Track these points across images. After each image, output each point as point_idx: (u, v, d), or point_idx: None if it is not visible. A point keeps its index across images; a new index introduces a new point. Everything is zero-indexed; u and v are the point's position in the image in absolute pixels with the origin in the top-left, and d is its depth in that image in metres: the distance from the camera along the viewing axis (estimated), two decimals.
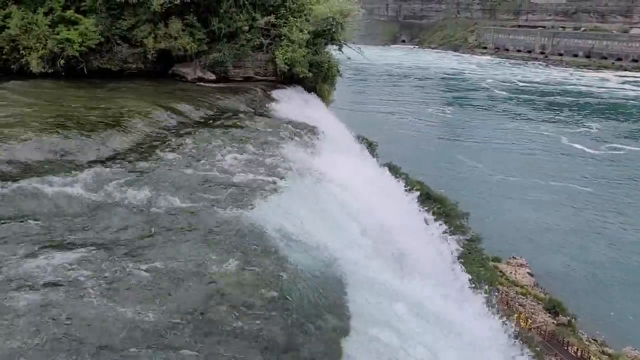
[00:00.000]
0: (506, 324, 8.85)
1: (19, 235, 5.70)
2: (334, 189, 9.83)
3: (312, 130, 14.15)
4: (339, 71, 21.18)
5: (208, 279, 5.33)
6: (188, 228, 6.54)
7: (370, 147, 23.04)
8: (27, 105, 12.04)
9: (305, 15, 19.44)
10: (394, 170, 22.76)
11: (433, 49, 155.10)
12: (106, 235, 6.10)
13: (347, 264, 6.87)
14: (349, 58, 21.73)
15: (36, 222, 6.12)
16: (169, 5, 16.99)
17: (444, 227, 13.20)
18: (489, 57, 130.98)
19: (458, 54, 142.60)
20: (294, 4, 19.56)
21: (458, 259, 11.51)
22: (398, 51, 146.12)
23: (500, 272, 25.98)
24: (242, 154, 10.25)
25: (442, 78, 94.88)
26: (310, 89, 20.26)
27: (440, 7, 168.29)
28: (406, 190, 14.10)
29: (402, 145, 45.58)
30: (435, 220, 13.92)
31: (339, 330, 5.69)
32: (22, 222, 6.07)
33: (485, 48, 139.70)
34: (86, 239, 5.93)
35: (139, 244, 5.94)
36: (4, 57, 17.03)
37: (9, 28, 16.40)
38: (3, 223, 5.92)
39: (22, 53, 16.73)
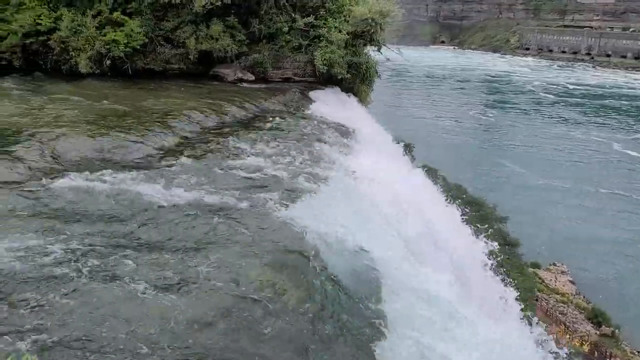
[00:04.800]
0: (546, 334, 8.60)
1: (70, 231, 5.92)
2: (370, 190, 9.79)
3: (349, 131, 14.15)
4: (377, 72, 21.08)
5: (243, 278, 5.38)
6: (226, 226, 6.63)
7: (408, 148, 22.82)
8: (76, 104, 12.51)
9: (344, 16, 19.46)
10: (431, 172, 22.48)
11: (473, 50, 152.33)
12: (148, 231, 6.25)
13: (383, 267, 6.83)
14: (387, 59, 21.60)
15: (87, 218, 6.35)
16: (210, 7, 17.30)
17: (481, 230, 12.96)
18: (532, 59, 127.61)
19: (499, 55, 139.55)
20: (333, 5, 19.61)
21: (495, 264, 11.27)
22: (437, 52, 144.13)
23: (540, 279, 25.26)
24: (278, 154, 10.34)
25: (484, 80, 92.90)
26: (348, 90, 20.25)
27: (482, 7, 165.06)
28: (443, 192, 13.94)
29: (440, 147, 44.89)
30: (472, 223, 13.69)
31: (372, 335, 5.66)
32: (75, 217, 6.31)
33: (527, 49, 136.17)
34: (131, 235, 6.09)
35: (176, 241, 6.06)
36: (54, 57, 17.73)
37: (60, 30, 17.06)
38: (53, 218, 6.18)
39: (71, 54, 17.38)
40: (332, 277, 6.06)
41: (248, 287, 5.18)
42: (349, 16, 19.25)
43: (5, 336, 3.95)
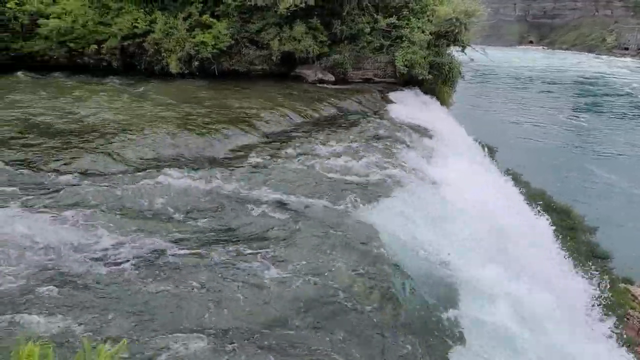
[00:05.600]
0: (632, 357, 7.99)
1: (152, 227, 6.27)
2: (449, 193, 9.54)
3: (430, 133, 13.88)
4: (460, 73, 20.50)
5: (319, 278, 5.43)
6: (302, 225, 6.73)
7: (490, 152, 22.02)
8: (166, 103, 13.25)
9: (427, 16, 19.11)
10: (515, 176, 21.52)
11: (565, 50, 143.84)
12: (232, 228, 6.47)
13: (462, 273, 6.64)
14: (471, 59, 20.95)
15: (177, 212, 6.69)
16: (294, 9, 17.63)
17: (566, 238, 12.24)
18: (630, 59, 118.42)
19: (594, 55, 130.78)
20: (416, 5, 19.32)
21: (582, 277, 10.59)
22: (525, 52, 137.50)
23: (632, 295, 23.42)
24: (357, 155, 10.34)
25: (576, 82, 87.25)
26: (429, 91, 19.86)
27: (576, 4, 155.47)
28: (527, 198, 13.27)
29: (524, 151, 42.73)
30: (558, 232, 12.95)
31: (447, 339, 5.52)
32: (166, 212, 6.68)
33: (626, 49, 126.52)
34: (209, 231, 6.33)
35: (252, 237, 6.22)
36: (148, 59, 18.85)
37: (154, 32, 18.13)
38: (146, 212, 6.57)
39: (163, 55, 18.41)
40: (410, 281, 5.97)
41: (326, 287, 5.23)
42: (433, 16, 18.87)
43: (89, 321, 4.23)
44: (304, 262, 5.58)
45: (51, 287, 4.56)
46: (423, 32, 18.39)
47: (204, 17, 18.16)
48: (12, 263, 4.94)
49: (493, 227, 8.70)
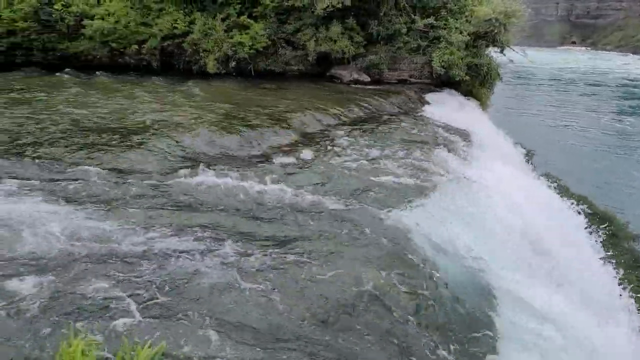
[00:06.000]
0: None
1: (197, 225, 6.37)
2: (486, 196, 9.37)
3: (466, 135, 13.66)
4: (499, 74, 20.13)
5: (354, 279, 5.40)
6: (336, 226, 6.72)
7: (529, 155, 21.53)
8: (205, 102, 13.49)
9: (466, 16, 18.84)
10: (554, 180, 20.98)
11: (609, 51, 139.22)
12: (267, 228, 6.50)
13: (500, 280, 6.51)
14: (511, 61, 20.53)
15: (213, 211, 6.80)
16: (331, 9, 17.67)
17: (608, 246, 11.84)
18: None
19: None
20: (455, 6, 19.07)
21: (626, 288, 10.21)
22: (567, 53, 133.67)
23: None
24: (391, 156, 10.28)
25: (622, 85, 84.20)
26: (466, 92, 19.58)
27: (621, 4, 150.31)
28: (567, 203, 12.89)
29: (565, 155, 41.53)
30: (601, 240, 12.53)
31: (483, 348, 5.42)
32: (202, 210, 6.79)
33: None
34: (245, 230, 6.39)
35: (287, 237, 6.24)
36: (186, 59, 19.24)
37: (192, 33, 18.48)
38: (182, 210, 6.69)
39: (201, 55, 18.76)
40: (446, 285, 5.89)
41: (361, 289, 5.21)
42: (471, 17, 18.59)
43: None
44: (339, 263, 5.57)
45: (101, 283, 4.68)
46: (461, 32, 18.14)
47: (242, 18, 18.41)
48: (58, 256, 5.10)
49: (532, 232, 8.51)
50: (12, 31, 18.84)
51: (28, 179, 7.17)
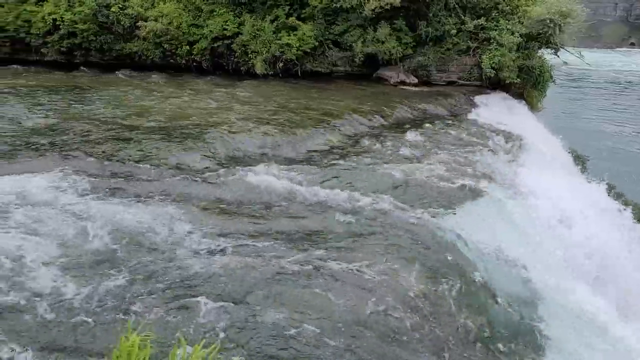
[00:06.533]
0: None
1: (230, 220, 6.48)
2: (536, 203, 9.08)
3: (516, 139, 13.27)
4: (551, 77, 19.42)
5: (398, 284, 5.34)
6: (380, 228, 6.65)
7: (583, 161, 20.72)
8: (254, 103, 13.75)
9: (518, 17, 18.28)
10: (610, 187, 20.07)
11: None
12: (302, 227, 6.52)
13: (547, 289, 6.30)
14: (565, 62, 19.78)
15: (252, 209, 6.90)
16: (379, 10, 17.54)
17: None
18: None
19: None
20: (507, 6, 18.53)
21: None
22: (626, 55, 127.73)
23: None
24: (439, 159, 10.10)
25: None
26: (517, 95, 19.00)
27: None
28: (624, 212, 12.28)
29: (621, 162, 39.75)
30: None
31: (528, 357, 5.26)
32: (244, 208, 6.91)
33: None
34: (287, 228, 6.42)
35: (330, 239, 6.22)
36: (236, 60, 19.58)
37: (242, 34, 18.78)
38: (227, 207, 6.82)
39: (250, 56, 19.04)
40: (490, 291, 5.75)
41: (403, 294, 5.15)
42: (524, 17, 18.03)
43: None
44: (383, 268, 5.52)
45: (153, 279, 4.84)
46: (512, 33, 17.61)
47: (290, 19, 18.54)
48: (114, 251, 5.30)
49: (585, 243, 8.19)
50: (73, 33, 19.76)
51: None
